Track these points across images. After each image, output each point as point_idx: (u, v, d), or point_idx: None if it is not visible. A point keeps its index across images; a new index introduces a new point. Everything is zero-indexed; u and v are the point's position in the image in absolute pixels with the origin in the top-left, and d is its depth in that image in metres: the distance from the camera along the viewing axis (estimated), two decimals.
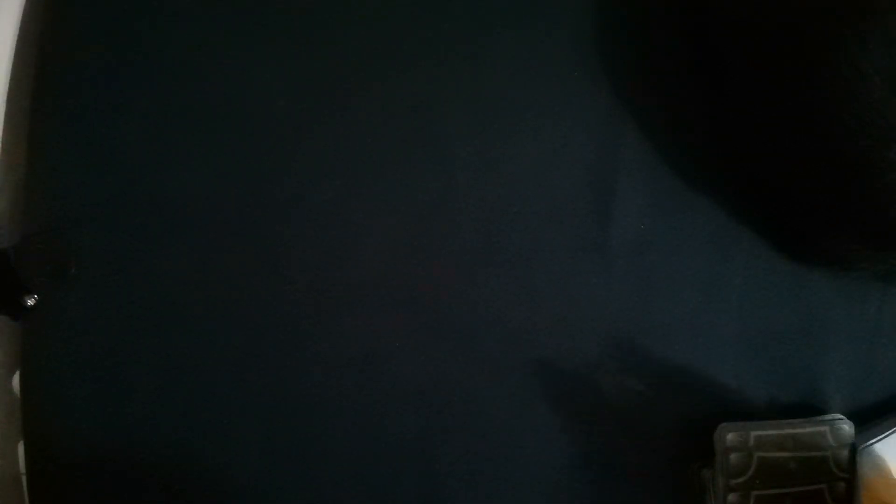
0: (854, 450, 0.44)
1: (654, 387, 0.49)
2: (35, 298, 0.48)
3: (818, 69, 0.41)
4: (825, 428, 0.44)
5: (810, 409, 0.49)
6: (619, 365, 0.49)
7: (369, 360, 0.48)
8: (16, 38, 0.51)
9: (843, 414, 0.48)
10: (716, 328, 0.49)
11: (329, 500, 0.48)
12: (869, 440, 0.45)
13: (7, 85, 0.51)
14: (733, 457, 0.43)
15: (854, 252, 0.46)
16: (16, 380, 0.49)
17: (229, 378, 0.48)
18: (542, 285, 0.49)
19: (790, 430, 0.44)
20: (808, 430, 0.44)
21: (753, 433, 0.44)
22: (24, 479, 0.48)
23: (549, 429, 0.48)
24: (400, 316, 0.49)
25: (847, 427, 0.45)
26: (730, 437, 0.44)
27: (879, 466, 0.43)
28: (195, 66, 0.51)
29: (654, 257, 0.50)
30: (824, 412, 0.48)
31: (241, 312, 0.49)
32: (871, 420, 0.48)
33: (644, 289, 0.49)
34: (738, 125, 0.50)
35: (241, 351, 0.48)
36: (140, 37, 0.51)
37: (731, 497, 0.43)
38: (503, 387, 0.48)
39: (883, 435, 0.45)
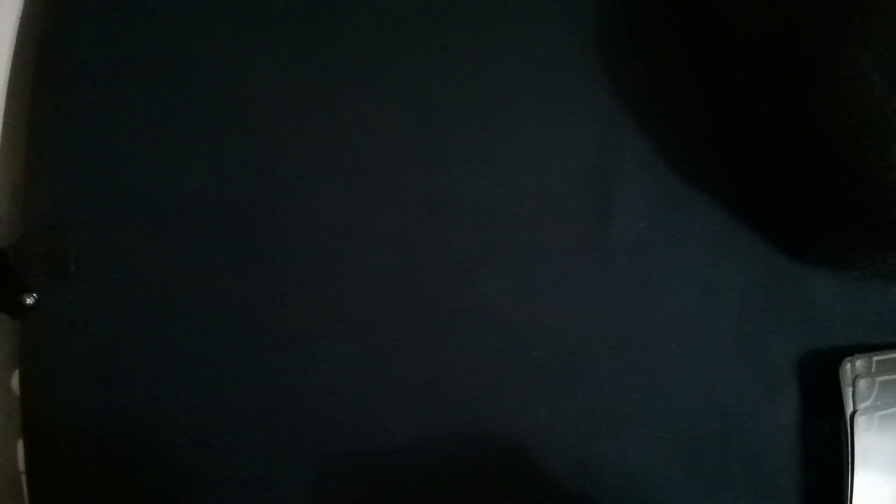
0: None
1: (654, 386, 0.49)
2: (34, 297, 0.48)
3: (818, 69, 0.41)
4: None
5: (810, 409, 0.49)
6: (619, 365, 0.49)
7: (369, 358, 0.48)
8: (16, 38, 0.51)
9: None
10: (716, 328, 0.49)
11: (329, 497, 0.48)
12: None
13: (7, 85, 0.51)
14: (861, 383, 0.47)
15: (854, 251, 0.46)
16: (15, 379, 0.49)
17: (229, 377, 0.48)
18: (542, 285, 0.49)
19: None
20: None
21: (875, 358, 0.48)
22: (24, 478, 0.48)
23: (550, 429, 0.48)
24: (399, 315, 0.49)
25: None
26: (858, 363, 0.48)
27: None
28: (195, 65, 0.51)
29: (654, 257, 0.50)
30: (824, 412, 0.49)
31: (242, 312, 0.49)
32: None
33: (644, 289, 0.49)
34: (738, 124, 0.50)
35: (241, 350, 0.48)
36: (139, 36, 0.51)
37: (859, 419, 0.47)
38: (503, 386, 0.48)
39: None
